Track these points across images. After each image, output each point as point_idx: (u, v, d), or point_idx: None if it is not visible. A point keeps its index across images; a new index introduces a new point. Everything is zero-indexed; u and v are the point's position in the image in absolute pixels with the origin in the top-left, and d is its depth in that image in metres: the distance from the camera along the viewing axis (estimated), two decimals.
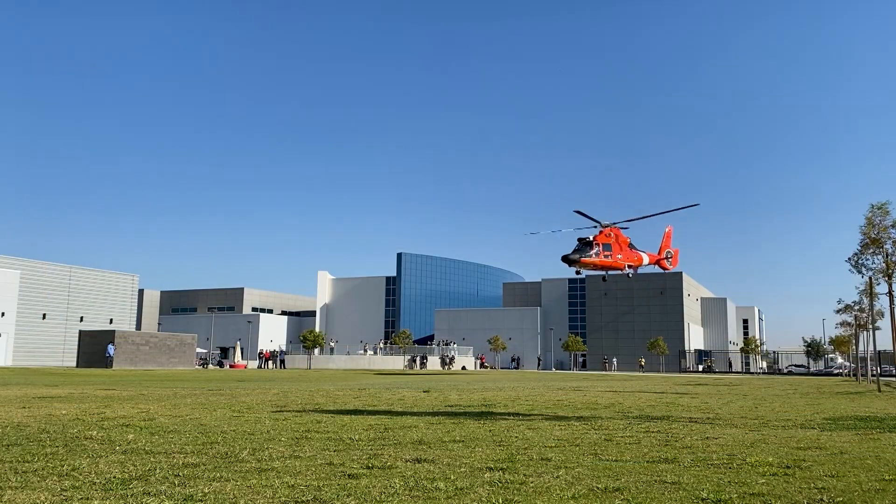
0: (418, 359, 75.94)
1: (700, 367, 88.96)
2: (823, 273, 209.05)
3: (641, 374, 68.62)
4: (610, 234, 31.62)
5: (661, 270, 38.23)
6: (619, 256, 31.68)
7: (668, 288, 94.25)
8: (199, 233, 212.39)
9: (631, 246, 32.91)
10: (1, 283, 70.10)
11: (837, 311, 43.74)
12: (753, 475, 7.18)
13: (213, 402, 16.87)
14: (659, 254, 36.14)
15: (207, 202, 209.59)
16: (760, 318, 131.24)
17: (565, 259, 30.59)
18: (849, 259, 27.12)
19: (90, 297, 79.68)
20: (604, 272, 32.89)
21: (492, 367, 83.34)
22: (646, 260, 34.53)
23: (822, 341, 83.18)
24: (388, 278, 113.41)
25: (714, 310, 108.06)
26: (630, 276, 33.66)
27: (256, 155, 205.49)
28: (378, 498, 5.87)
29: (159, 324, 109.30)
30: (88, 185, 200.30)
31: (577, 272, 31.60)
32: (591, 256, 30.62)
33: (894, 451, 9.27)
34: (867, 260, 26.45)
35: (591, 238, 31.27)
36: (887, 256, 25.50)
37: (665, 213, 33.17)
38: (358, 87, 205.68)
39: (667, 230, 37.20)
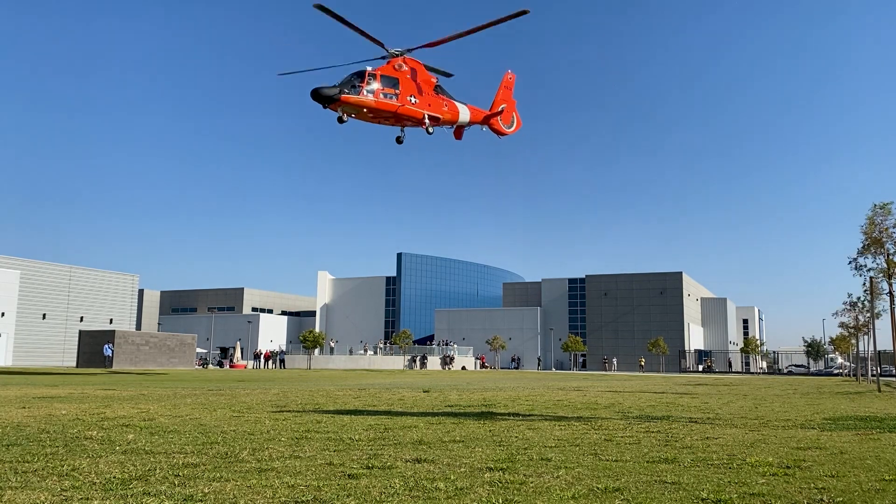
0: (418, 359, 75.95)
1: (700, 367, 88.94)
2: (823, 273, 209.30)
3: (641, 374, 68.61)
4: (401, 67, 22.70)
5: (496, 135, 26.49)
6: (414, 100, 22.33)
7: (668, 288, 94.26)
8: (199, 233, 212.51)
9: (440, 90, 23.80)
10: (1, 283, 70.11)
11: (843, 309, 43.71)
12: (753, 475, 7.18)
13: (213, 402, 16.86)
14: (491, 109, 25.95)
15: (207, 202, 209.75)
16: (760, 318, 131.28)
17: (317, 95, 21.61)
18: (850, 261, 27.11)
19: (90, 297, 79.72)
20: (388, 122, 22.68)
21: (491, 368, 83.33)
22: (465, 114, 24.45)
23: (822, 341, 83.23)
24: (388, 278, 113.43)
25: (714, 310, 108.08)
26: (430, 131, 23.24)
27: (256, 154, 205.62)
28: (378, 498, 5.87)
29: (159, 324, 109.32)
30: (88, 185, 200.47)
31: (340, 119, 21.61)
32: (359, 93, 21.51)
33: (894, 451, 9.27)
34: (868, 260, 26.45)
35: (370, 70, 22.30)
36: (888, 256, 25.50)
37: (488, 27, 22.81)
38: None
39: (505, 77, 26.47)
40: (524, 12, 21.86)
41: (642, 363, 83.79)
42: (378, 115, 22.17)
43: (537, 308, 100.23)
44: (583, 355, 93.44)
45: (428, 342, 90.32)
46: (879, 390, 30.03)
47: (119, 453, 8.23)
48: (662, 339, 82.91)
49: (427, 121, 22.97)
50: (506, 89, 26.40)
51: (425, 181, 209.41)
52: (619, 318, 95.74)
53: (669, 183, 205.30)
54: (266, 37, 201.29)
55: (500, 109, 26.06)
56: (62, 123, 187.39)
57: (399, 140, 23.05)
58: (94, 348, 61.65)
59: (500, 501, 5.79)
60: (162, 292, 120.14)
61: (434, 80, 23.62)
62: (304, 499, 5.81)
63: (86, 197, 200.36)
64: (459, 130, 24.85)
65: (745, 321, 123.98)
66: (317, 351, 77.96)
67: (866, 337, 43.19)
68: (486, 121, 25.80)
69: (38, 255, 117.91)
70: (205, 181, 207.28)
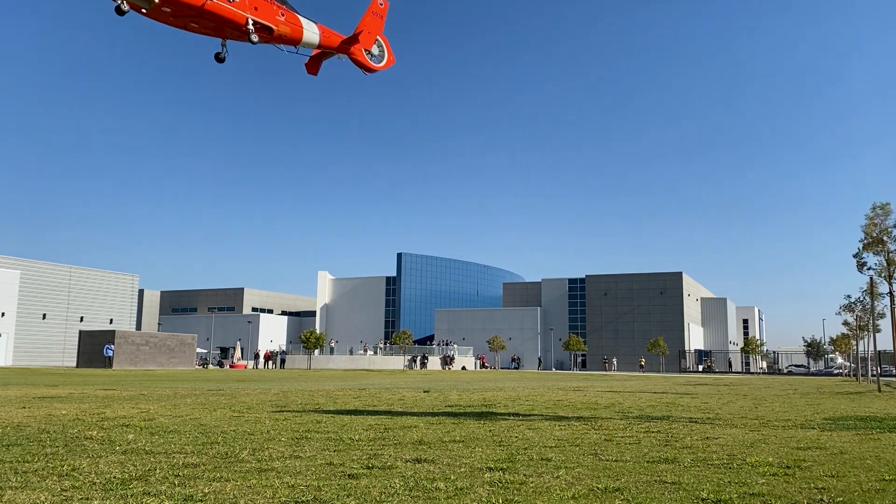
0: (418, 359, 75.95)
1: (700, 368, 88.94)
2: (823, 273, 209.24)
3: (641, 374, 68.60)
4: None
5: (363, 71, 21.33)
6: None
7: (668, 288, 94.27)
8: (199, 233, 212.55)
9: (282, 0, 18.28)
10: (1, 283, 70.10)
11: (840, 311, 43.78)
12: (753, 475, 7.18)
13: (213, 402, 16.86)
14: (355, 31, 20.71)
15: (207, 202, 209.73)
16: (760, 318, 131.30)
17: None
18: (855, 255, 27.16)
19: (90, 297, 79.68)
20: (201, 29, 17.36)
21: (491, 368, 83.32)
22: (313, 35, 19.14)
23: (822, 341, 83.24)
24: (388, 278, 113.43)
25: (714, 310, 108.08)
26: (255, 40, 17.67)
27: (256, 154, 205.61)
28: (378, 498, 5.87)
29: (159, 324, 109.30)
30: (88, 185, 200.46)
31: (119, 9, 15.81)
32: None
33: (894, 451, 9.27)
34: (868, 260, 26.51)
35: None
36: (888, 256, 25.54)
37: None
38: (358, 85, 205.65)
39: (374, 2, 21.73)
40: None
41: (642, 363, 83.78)
42: (178, 10, 16.50)
43: (537, 308, 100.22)
44: (583, 355, 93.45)
45: (428, 342, 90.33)
46: (879, 390, 30.03)
47: (119, 453, 8.23)
48: (662, 339, 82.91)
49: (251, 27, 17.40)
50: (374, 15, 22.12)
51: (425, 181, 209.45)
52: (619, 318, 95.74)
53: (669, 182, 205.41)
54: None
55: (358, 33, 20.94)
56: (61, 123, 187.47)
57: (219, 58, 17.80)
58: (95, 348, 61.61)
59: (500, 501, 5.79)
60: (162, 292, 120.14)
61: None
62: (304, 499, 5.81)
63: (86, 196, 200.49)
64: (314, 63, 20.16)
65: (745, 321, 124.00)
66: (317, 351, 77.96)
67: (868, 336, 43.23)
68: (344, 48, 20.76)
69: (38, 255, 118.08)
70: (205, 181, 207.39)
